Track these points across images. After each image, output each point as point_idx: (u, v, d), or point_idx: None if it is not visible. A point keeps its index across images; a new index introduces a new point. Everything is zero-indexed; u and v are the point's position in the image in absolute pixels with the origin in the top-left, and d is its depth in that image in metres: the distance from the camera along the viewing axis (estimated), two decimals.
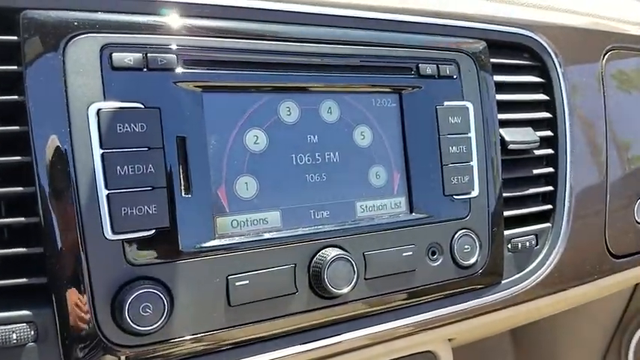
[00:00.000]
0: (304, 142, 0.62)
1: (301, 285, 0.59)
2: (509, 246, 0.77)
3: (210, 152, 0.56)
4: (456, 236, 0.69)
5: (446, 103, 0.69)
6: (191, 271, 0.54)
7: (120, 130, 0.51)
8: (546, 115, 0.82)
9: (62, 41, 0.50)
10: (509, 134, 0.76)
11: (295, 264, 0.59)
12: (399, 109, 0.67)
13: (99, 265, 0.50)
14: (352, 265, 0.60)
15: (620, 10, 0.99)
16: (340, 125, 0.64)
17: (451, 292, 0.69)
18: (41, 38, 0.49)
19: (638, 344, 1.32)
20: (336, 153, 0.63)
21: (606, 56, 0.91)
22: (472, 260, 0.70)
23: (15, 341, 0.49)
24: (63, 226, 0.49)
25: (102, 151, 0.51)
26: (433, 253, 0.68)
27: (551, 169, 0.81)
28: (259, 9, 0.60)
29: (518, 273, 0.78)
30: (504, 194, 0.74)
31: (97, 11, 0.52)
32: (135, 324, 0.50)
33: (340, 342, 0.63)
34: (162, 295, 0.51)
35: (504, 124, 0.76)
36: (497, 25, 0.77)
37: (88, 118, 0.50)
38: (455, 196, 0.69)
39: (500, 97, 0.75)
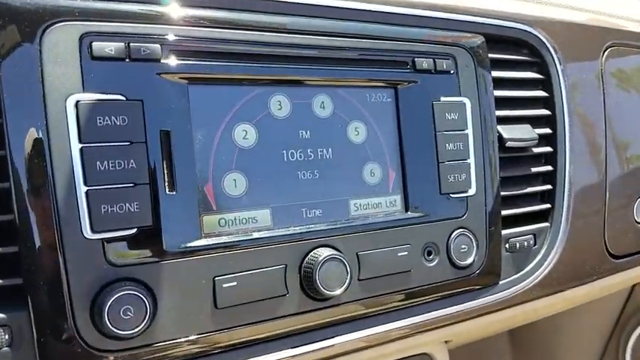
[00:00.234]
0: (296, 138, 0.59)
1: (292, 286, 0.57)
2: (507, 246, 0.75)
3: (197, 147, 0.54)
4: (452, 236, 0.66)
5: (442, 99, 0.67)
6: (175, 272, 0.51)
7: (100, 123, 0.49)
8: (545, 112, 0.80)
9: (39, 29, 0.47)
10: (507, 131, 0.74)
11: (286, 264, 0.56)
12: (395, 104, 0.65)
13: (77, 265, 0.48)
14: (345, 265, 0.57)
15: (619, 6, 0.97)
16: (333, 120, 0.61)
17: (447, 293, 0.67)
18: (16, 26, 0.47)
19: (636, 344, 1.31)
20: (329, 149, 0.61)
21: (606, 53, 0.89)
22: (469, 260, 0.67)
23: None
24: (39, 224, 0.47)
25: (81, 145, 0.48)
26: (429, 253, 0.65)
27: (549, 168, 0.79)
28: None
29: (516, 273, 0.76)
30: (502, 193, 0.72)
31: None
32: (115, 328, 0.48)
33: (333, 345, 0.61)
34: (144, 298, 0.49)
35: (502, 120, 0.74)
36: (496, 19, 0.75)
37: (66, 110, 0.48)
38: (451, 195, 0.67)
39: (498, 93, 0.73)
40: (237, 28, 0.56)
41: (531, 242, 0.77)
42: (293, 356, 0.58)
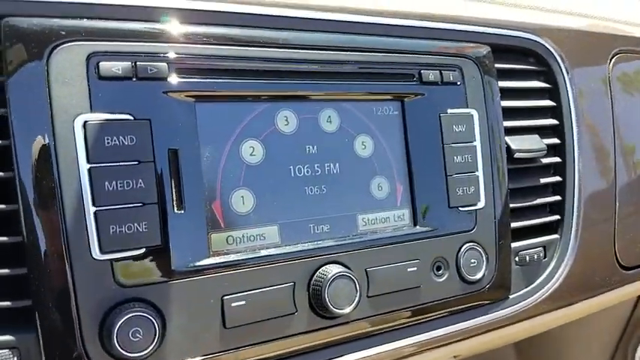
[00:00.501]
0: (303, 153, 0.59)
1: (301, 305, 0.56)
2: (517, 259, 0.74)
3: (204, 165, 0.53)
4: (461, 250, 0.66)
5: (450, 111, 0.67)
6: (184, 291, 0.51)
7: (108, 143, 0.49)
8: (553, 121, 0.79)
9: (46, 50, 0.47)
10: (515, 142, 0.73)
11: (294, 282, 0.56)
12: (402, 117, 0.64)
13: (86, 286, 0.48)
14: (354, 282, 0.57)
15: (626, 12, 0.96)
16: (340, 135, 0.61)
17: (457, 308, 0.67)
18: (24, 47, 0.47)
19: None
20: (337, 164, 0.60)
21: (613, 60, 0.88)
22: (479, 275, 0.67)
23: None
24: (48, 246, 0.47)
25: (89, 165, 0.48)
26: (438, 268, 0.65)
27: (558, 178, 0.78)
28: (254, 14, 0.57)
29: (526, 287, 0.75)
30: (511, 205, 0.72)
31: (82, 18, 0.50)
32: (124, 350, 0.47)
33: None
34: (153, 319, 0.48)
35: (510, 131, 0.74)
36: (502, 29, 0.75)
37: (74, 130, 0.48)
38: (460, 208, 0.66)
39: (505, 103, 0.73)
40: (243, 44, 0.56)
41: (541, 255, 0.76)
42: None
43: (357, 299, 0.57)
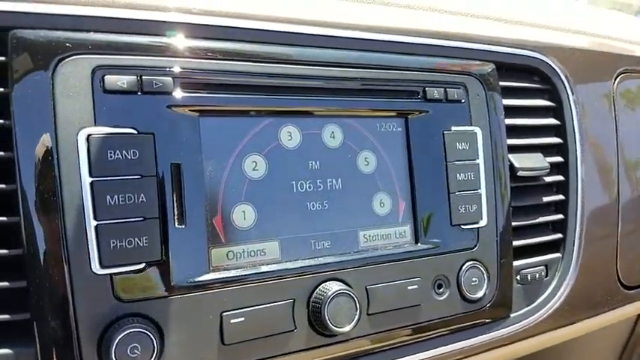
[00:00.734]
0: (305, 169, 0.59)
1: (300, 322, 0.56)
2: (518, 277, 0.74)
3: (207, 180, 0.53)
4: (463, 268, 0.65)
5: (453, 128, 0.66)
6: (183, 307, 0.51)
7: (111, 157, 0.49)
8: (557, 140, 0.79)
9: (52, 62, 0.47)
10: (518, 160, 0.73)
11: (294, 299, 0.56)
12: (405, 134, 0.64)
13: (85, 301, 0.47)
14: (354, 300, 0.57)
15: (631, 31, 0.96)
16: (343, 151, 0.61)
17: (458, 327, 0.66)
18: (30, 59, 0.47)
19: None
20: (339, 180, 0.60)
21: (617, 79, 0.88)
22: (480, 294, 0.66)
23: None
24: (48, 259, 0.47)
25: (91, 179, 0.48)
26: (439, 287, 0.64)
27: (561, 197, 0.78)
28: (260, 30, 0.57)
29: (527, 306, 0.75)
30: (513, 223, 0.71)
31: (88, 31, 0.50)
32: None
33: None
34: (151, 335, 0.48)
35: (513, 149, 0.73)
36: (506, 46, 0.75)
37: (77, 143, 0.48)
38: (462, 226, 0.66)
39: (508, 121, 0.73)
40: (248, 60, 0.56)
41: (543, 274, 0.76)
42: None
43: (357, 317, 0.57)
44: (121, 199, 0.49)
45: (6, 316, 0.47)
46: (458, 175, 0.66)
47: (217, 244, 0.54)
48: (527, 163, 0.74)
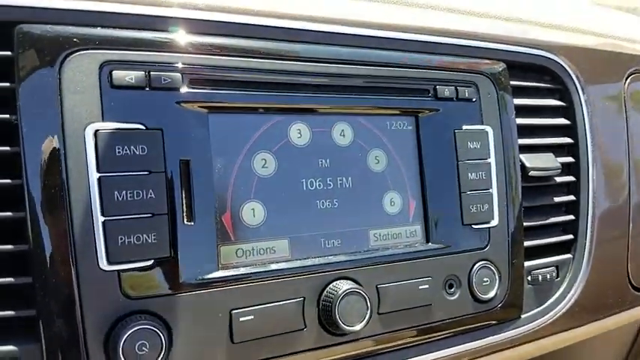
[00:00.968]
0: (315, 166, 0.58)
1: (310, 320, 0.55)
2: (529, 278, 0.73)
3: (216, 177, 0.53)
4: (474, 268, 0.64)
5: (465, 127, 0.66)
6: (192, 305, 0.50)
7: (119, 152, 0.48)
8: (568, 140, 0.78)
9: (59, 57, 0.47)
10: (529, 160, 0.72)
11: (304, 297, 0.55)
12: (416, 132, 0.64)
13: (92, 297, 0.47)
14: (365, 299, 0.56)
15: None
16: (353, 149, 0.60)
17: (468, 327, 0.65)
18: (36, 54, 0.46)
19: None
20: (349, 178, 0.60)
21: (628, 80, 0.87)
22: (491, 294, 0.65)
23: None
24: (54, 255, 0.46)
25: (99, 175, 0.47)
26: (450, 286, 0.63)
27: (572, 197, 0.77)
28: (269, 27, 0.57)
29: (538, 307, 0.74)
30: (524, 223, 0.70)
31: (96, 26, 0.49)
32: None
33: None
34: (159, 332, 0.47)
35: (524, 149, 0.73)
36: (518, 46, 0.74)
37: (84, 139, 0.47)
38: (474, 226, 0.65)
39: (519, 121, 0.72)
40: (258, 56, 0.55)
41: (554, 274, 0.75)
42: None
43: (367, 316, 0.56)
44: (129, 195, 0.48)
45: (11, 313, 0.46)
46: (469, 174, 0.65)
47: (226, 242, 0.53)
48: (539, 163, 0.73)
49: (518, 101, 0.72)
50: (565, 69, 0.78)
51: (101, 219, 0.47)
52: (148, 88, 0.49)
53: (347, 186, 0.59)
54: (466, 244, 0.64)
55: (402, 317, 0.60)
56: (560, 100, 0.79)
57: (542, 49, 0.76)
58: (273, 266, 0.54)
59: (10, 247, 0.46)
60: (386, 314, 0.59)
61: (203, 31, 0.54)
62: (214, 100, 0.52)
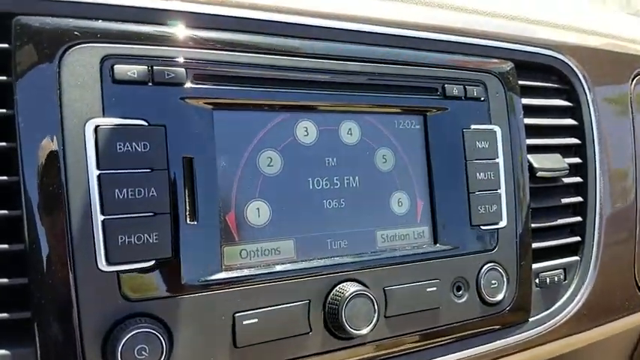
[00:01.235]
0: (322, 165, 0.56)
1: (315, 324, 0.54)
2: (537, 281, 0.71)
3: (220, 175, 0.51)
4: (482, 270, 0.63)
5: (473, 127, 0.64)
6: (194, 307, 0.48)
7: (120, 149, 0.46)
8: (575, 141, 0.77)
9: (58, 51, 0.45)
10: (537, 161, 0.71)
11: (309, 300, 0.53)
12: (424, 131, 0.62)
13: (90, 299, 0.45)
14: (372, 302, 0.54)
15: None
16: (361, 147, 0.59)
17: (477, 331, 0.64)
18: (35, 47, 0.45)
19: None
20: (356, 177, 0.58)
21: (634, 80, 0.86)
22: (499, 297, 0.64)
23: None
24: (51, 255, 0.44)
25: (99, 172, 0.45)
26: (458, 289, 0.62)
27: (580, 199, 0.76)
28: (276, 22, 0.55)
29: (546, 310, 0.72)
30: (532, 225, 0.69)
31: (97, 19, 0.47)
32: None
33: None
34: (160, 336, 0.45)
35: (531, 149, 0.71)
36: (525, 45, 0.73)
37: (84, 135, 0.45)
38: (482, 227, 0.64)
39: (527, 121, 0.71)
40: (264, 52, 0.54)
41: (561, 277, 0.73)
42: None
43: (374, 319, 0.54)
44: (130, 193, 0.46)
45: (4, 315, 0.44)
46: (477, 174, 0.64)
47: (230, 242, 0.51)
48: (547, 163, 0.72)
49: (525, 101, 0.71)
50: (572, 69, 0.77)
51: (100, 218, 0.45)
52: (150, 83, 0.48)
53: (354, 185, 0.58)
54: (474, 246, 0.63)
55: (410, 320, 0.59)
56: (567, 100, 0.78)
57: (550, 49, 0.75)
58: (278, 268, 0.53)
59: (5, 246, 0.44)
60: (393, 317, 0.57)
61: (208, 25, 0.52)
62: (219, 96, 0.51)
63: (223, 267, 0.50)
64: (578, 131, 0.78)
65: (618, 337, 1.23)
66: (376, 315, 0.54)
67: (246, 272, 0.51)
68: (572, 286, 0.75)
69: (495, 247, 0.65)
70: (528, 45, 0.73)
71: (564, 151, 0.76)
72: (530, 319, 0.70)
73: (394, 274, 0.58)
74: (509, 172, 0.66)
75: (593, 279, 0.75)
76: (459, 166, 0.63)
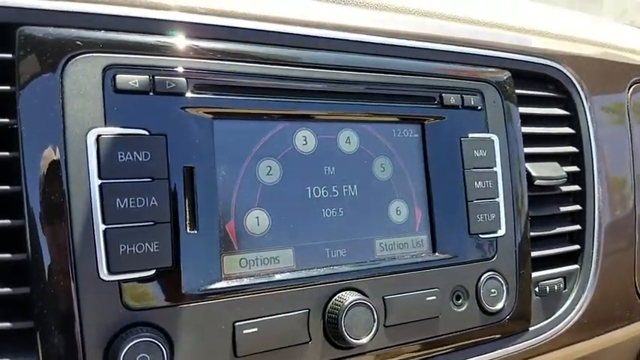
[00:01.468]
0: (321, 174, 0.57)
1: (315, 333, 0.54)
2: (537, 289, 0.71)
3: (220, 184, 0.51)
4: (482, 279, 0.63)
5: (470, 135, 0.65)
6: (194, 316, 0.48)
7: (121, 158, 0.47)
8: (573, 149, 0.77)
9: (61, 61, 0.46)
10: (535, 169, 0.71)
11: (309, 309, 0.53)
12: (422, 140, 0.63)
13: (92, 308, 0.45)
14: (372, 311, 0.54)
15: None
16: (359, 156, 0.59)
17: (477, 340, 0.64)
18: (38, 57, 0.45)
19: None
20: (355, 186, 0.58)
21: (631, 89, 0.87)
22: (499, 305, 0.64)
23: None
24: (53, 265, 0.44)
25: (100, 181, 0.46)
26: (458, 298, 0.62)
27: (578, 207, 0.76)
28: (277, 32, 0.56)
29: (546, 319, 0.72)
30: (531, 233, 0.69)
31: (100, 29, 0.48)
32: None
33: None
34: (161, 345, 0.45)
35: (528, 158, 0.72)
36: (523, 54, 0.73)
37: (86, 144, 0.46)
38: (481, 235, 0.64)
39: (524, 129, 0.71)
40: (263, 62, 0.54)
41: (561, 285, 0.73)
42: None
43: (374, 328, 0.54)
44: (131, 203, 0.47)
45: (7, 324, 0.44)
46: (476, 182, 0.64)
47: (230, 251, 0.52)
48: (544, 172, 0.72)
49: (522, 110, 0.72)
50: (569, 78, 0.78)
51: (102, 227, 0.46)
52: (152, 93, 0.48)
53: (352, 194, 0.58)
54: (473, 255, 0.63)
55: (409, 329, 0.59)
56: (564, 109, 0.79)
57: (546, 59, 0.76)
58: (278, 277, 0.53)
59: (7, 255, 0.45)
60: (393, 326, 0.57)
61: (209, 35, 0.53)
62: (219, 105, 0.51)
63: (223, 276, 0.51)
64: (575, 140, 0.78)
65: (618, 351, 1.23)
66: (376, 324, 0.54)
67: (245, 281, 0.51)
68: (573, 295, 0.75)
69: (494, 256, 0.65)
70: (525, 54, 0.74)
71: (562, 159, 0.77)
72: (531, 328, 0.70)
73: (393, 283, 0.58)
74: (508, 181, 0.67)
75: (593, 287, 0.75)
76: (456, 174, 0.63)
